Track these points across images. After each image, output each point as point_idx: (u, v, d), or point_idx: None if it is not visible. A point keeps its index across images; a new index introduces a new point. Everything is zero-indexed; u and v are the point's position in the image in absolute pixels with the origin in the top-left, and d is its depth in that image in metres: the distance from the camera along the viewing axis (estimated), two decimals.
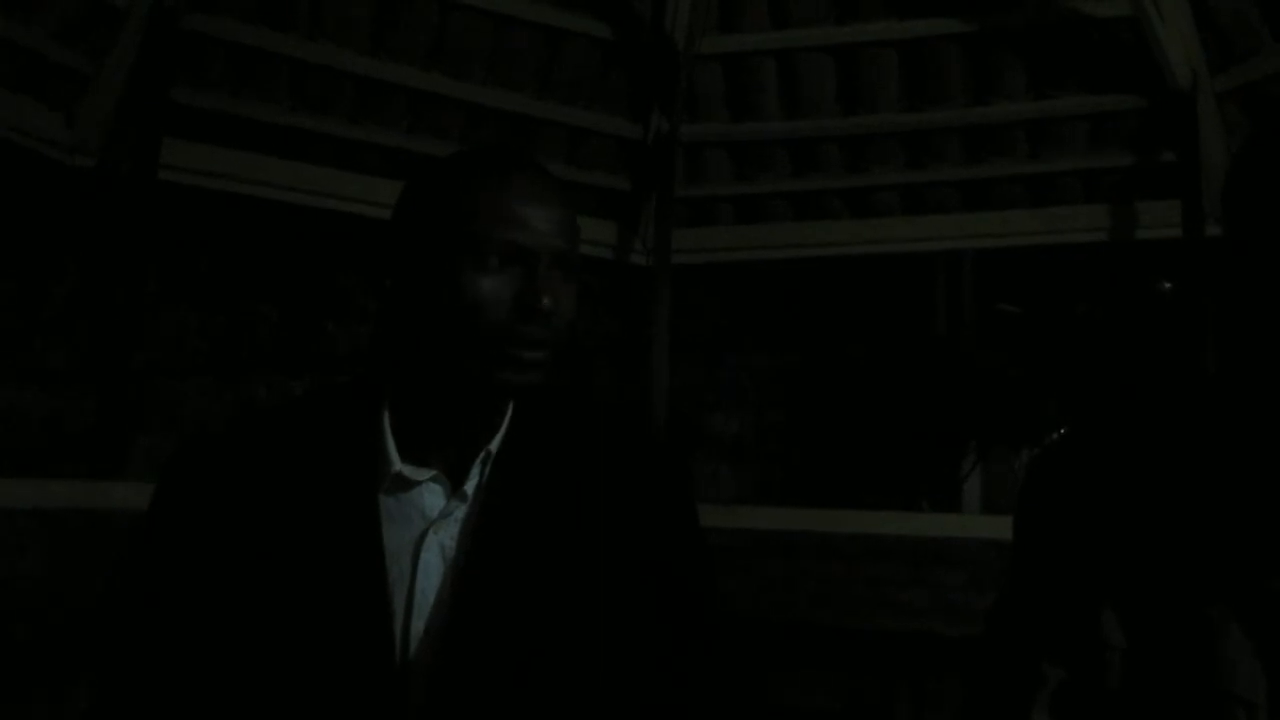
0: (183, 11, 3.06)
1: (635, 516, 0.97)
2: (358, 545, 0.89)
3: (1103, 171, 3.53)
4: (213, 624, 0.87)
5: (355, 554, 0.89)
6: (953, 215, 3.76)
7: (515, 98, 3.60)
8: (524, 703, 0.88)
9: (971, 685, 0.84)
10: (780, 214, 3.93)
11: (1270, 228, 0.74)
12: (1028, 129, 3.53)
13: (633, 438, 1.05)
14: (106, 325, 3.14)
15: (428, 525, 0.91)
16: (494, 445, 0.94)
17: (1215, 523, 0.75)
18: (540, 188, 0.91)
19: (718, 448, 4.32)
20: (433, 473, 0.92)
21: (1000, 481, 4.10)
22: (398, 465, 0.91)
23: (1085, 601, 0.76)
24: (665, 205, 3.79)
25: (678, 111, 3.70)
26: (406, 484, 0.91)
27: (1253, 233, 0.76)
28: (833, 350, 4.35)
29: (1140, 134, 3.42)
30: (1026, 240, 3.69)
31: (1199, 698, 0.71)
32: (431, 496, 0.92)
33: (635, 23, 3.58)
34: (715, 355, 4.36)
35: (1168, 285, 4.11)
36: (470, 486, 0.92)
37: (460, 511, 0.92)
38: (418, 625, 0.89)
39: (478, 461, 0.93)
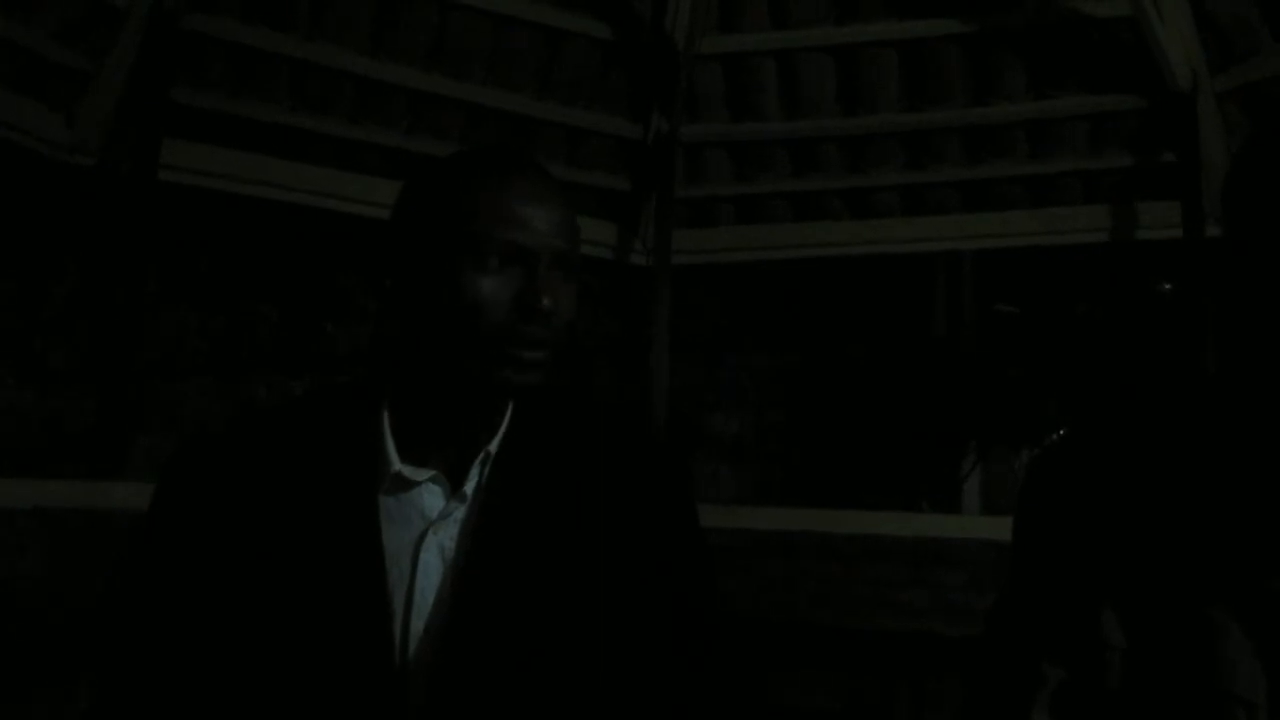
0: (183, 11, 3.06)
1: (635, 517, 0.97)
2: (357, 546, 0.89)
3: (1103, 172, 3.53)
4: (213, 624, 0.87)
5: (355, 554, 0.89)
6: (952, 216, 3.75)
7: (515, 98, 3.59)
8: (524, 703, 0.88)
9: (971, 685, 0.84)
10: (780, 214, 3.93)
11: (1270, 228, 0.74)
12: (1028, 129, 3.53)
13: (633, 438, 1.05)
14: (106, 325, 3.14)
15: (427, 526, 0.91)
16: (494, 446, 0.94)
17: (1215, 523, 0.75)
18: (540, 188, 0.91)
19: (718, 448, 4.32)
20: (432, 473, 0.92)
21: (1000, 482, 4.10)
22: (397, 465, 0.91)
23: (1085, 602, 0.76)
24: (665, 205, 3.79)
25: (678, 112, 3.70)
26: (406, 484, 0.91)
27: (1253, 233, 0.76)
28: (833, 350, 4.35)
29: (1140, 134, 3.42)
30: (1026, 241, 3.69)
31: (1199, 698, 0.71)
32: (431, 497, 0.92)
33: (635, 23, 3.58)
34: (715, 355, 4.36)
35: (1168, 286, 4.11)
36: (470, 487, 0.92)
37: (460, 512, 0.92)
38: (417, 625, 0.89)
39: (477, 462, 0.93)
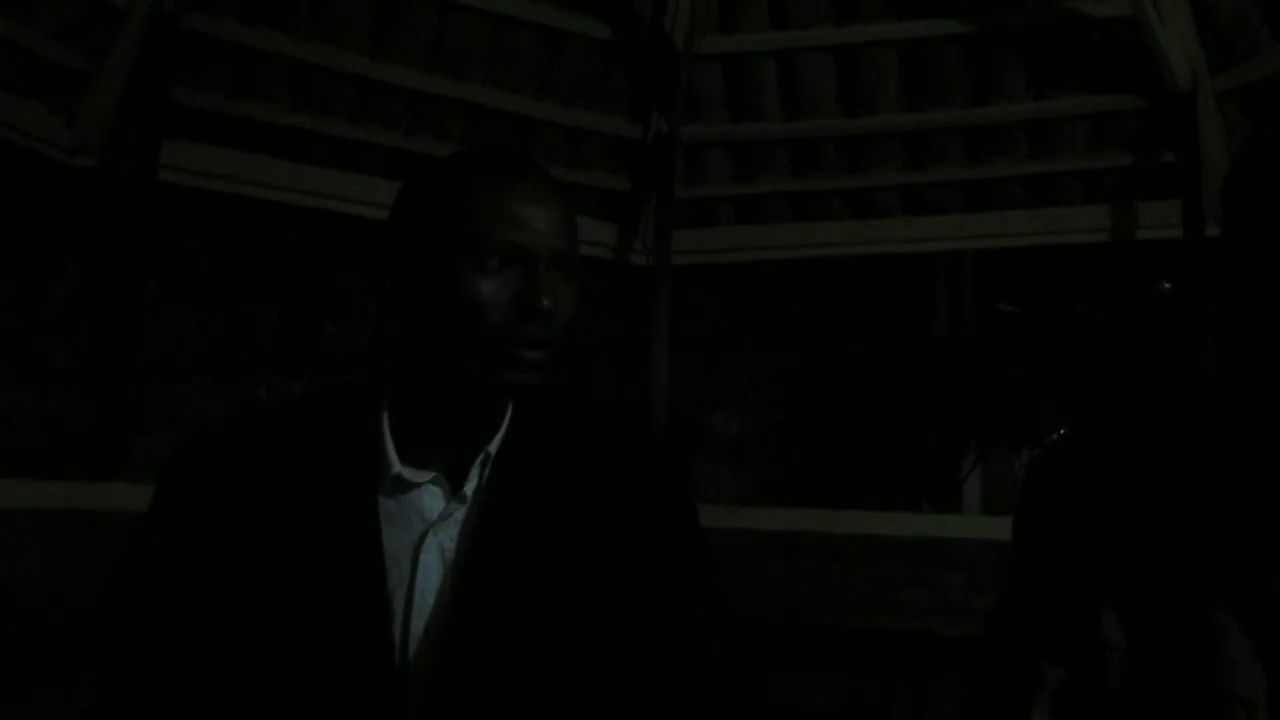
0: (183, 11, 3.06)
1: (635, 517, 0.97)
2: (357, 547, 0.89)
3: (1103, 172, 3.53)
4: (213, 625, 0.87)
5: (355, 555, 0.89)
6: (953, 216, 3.75)
7: (515, 98, 3.60)
8: (524, 703, 0.88)
9: (971, 685, 0.84)
10: (780, 214, 3.93)
11: (1270, 228, 0.74)
12: (1027, 129, 3.53)
13: (633, 438, 1.05)
14: (106, 325, 3.14)
15: (427, 527, 0.91)
16: (493, 446, 0.94)
17: (1215, 523, 0.75)
18: (540, 188, 0.91)
19: (718, 448, 4.32)
20: (432, 474, 0.92)
21: (1000, 481, 4.10)
22: (397, 467, 0.91)
23: (1085, 602, 0.76)
24: (665, 206, 3.79)
25: (678, 112, 3.70)
26: (406, 486, 0.91)
27: (1252, 233, 0.76)
28: (833, 350, 4.35)
29: (1140, 134, 3.42)
30: (1026, 241, 3.69)
31: (1199, 698, 0.71)
32: (431, 498, 0.92)
33: (635, 23, 3.58)
34: (715, 355, 4.36)
35: (1168, 286, 4.11)
36: (470, 488, 0.92)
37: (460, 513, 0.92)
38: (417, 626, 0.89)
39: (477, 463, 0.93)
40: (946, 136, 3.61)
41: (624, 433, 1.04)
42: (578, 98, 3.69)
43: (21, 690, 2.35)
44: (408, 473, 0.91)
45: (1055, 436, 2.87)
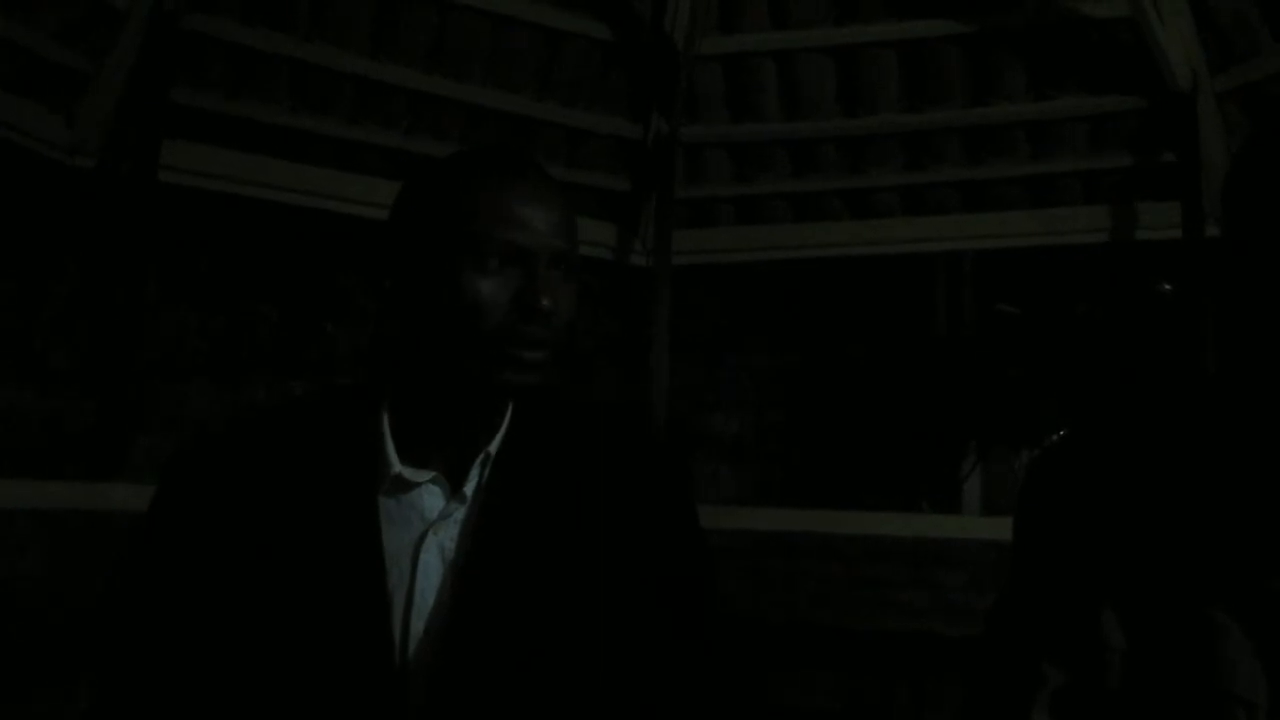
0: (183, 12, 3.06)
1: (635, 517, 0.97)
2: (357, 547, 0.89)
3: (1103, 172, 3.53)
4: (213, 625, 0.87)
5: (355, 555, 0.89)
6: (953, 216, 3.75)
7: (515, 99, 3.59)
8: (524, 703, 0.88)
9: (971, 686, 0.84)
10: (780, 215, 3.93)
11: (1270, 228, 0.74)
12: (1027, 130, 3.53)
13: (633, 438, 1.05)
14: (106, 325, 3.14)
15: (427, 527, 0.91)
16: (493, 446, 0.94)
17: (1215, 523, 0.75)
18: (539, 188, 0.91)
19: (718, 448, 4.32)
20: (432, 474, 0.92)
21: (1000, 482, 4.10)
22: (397, 467, 0.91)
23: (1085, 602, 0.76)
24: (665, 206, 3.79)
25: (678, 112, 3.70)
26: (406, 485, 0.91)
27: (1253, 233, 0.76)
28: (833, 350, 4.35)
29: (1140, 135, 3.42)
30: (1026, 241, 3.69)
31: (1199, 698, 0.71)
32: (431, 498, 0.92)
33: (635, 23, 3.58)
34: (715, 355, 4.36)
35: (1168, 286, 4.11)
36: (470, 488, 0.92)
37: (459, 513, 0.92)
38: (417, 626, 0.89)
39: (477, 463, 0.93)
40: (946, 137, 3.61)
41: (624, 433, 1.04)
42: (578, 98, 3.69)
43: (21, 690, 2.35)
44: (408, 472, 0.91)
45: (1055, 437, 2.87)
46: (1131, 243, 3.56)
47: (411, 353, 0.92)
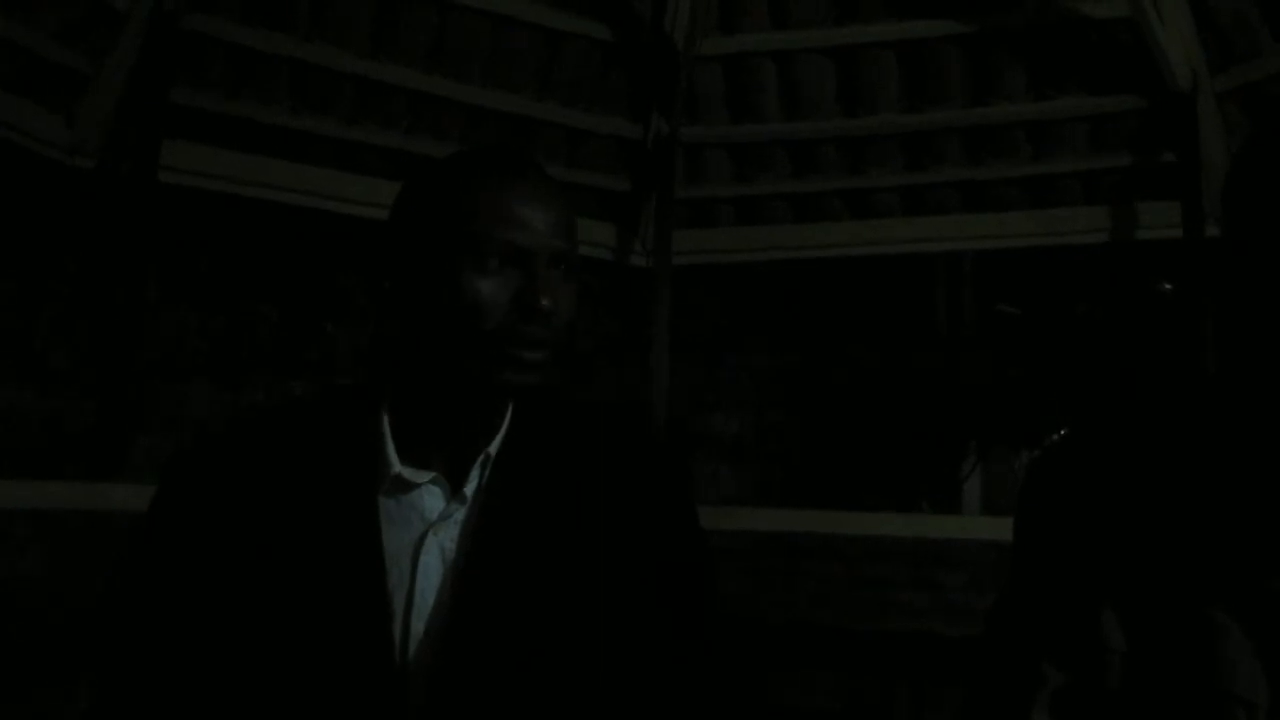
0: (183, 12, 3.06)
1: (635, 518, 0.97)
2: (357, 547, 0.89)
3: (1103, 172, 3.53)
4: (213, 625, 0.87)
5: (355, 556, 0.89)
6: (952, 216, 3.75)
7: (515, 99, 3.59)
8: (524, 704, 0.88)
9: (971, 686, 0.84)
10: (780, 215, 3.93)
11: (1270, 228, 0.74)
12: (1027, 130, 3.53)
13: (633, 439, 1.05)
14: (106, 325, 3.14)
15: (427, 527, 0.91)
16: (493, 447, 0.94)
17: (1215, 523, 0.75)
18: (539, 188, 0.91)
19: (718, 448, 4.32)
20: (432, 475, 0.92)
21: (1000, 482, 4.10)
22: (397, 467, 0.91)
23: (1085, 602, 0.76)
24: (665, 206, 3.79)
25: (678, 112, 3.70)
26: (406, 486, 0.91)
27: (1253, 233, 0.76)
28: (833, 350, 4.35)
29: (1140, 135, 3.42)
30: (1026, 242, 3.69)
31: (1199, 698, 0.71)
32: (431, 498, 0.92)
33: (635, 23, 3.58)
34: (715, 355, 4.36)
35: (1168, 286, 4.11)
36: (470, 488, 0.92)
37: (460, 513, 0.92)
38: (417, 626, 0.89)
39: (477, 463, 0.93)
40: (946, 137, 3.61)
41: (624, 433, 1.04)
42: (578, 98, 3.69)
43: (21, 690, 2.35)
44: (408, 473, 0.91)
45: (1055, 437, 2.87)
46: (1131, 243, 3.56)
47: (411, 353, 0.92)
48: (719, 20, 3.61)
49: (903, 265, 4.18)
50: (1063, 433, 0.92)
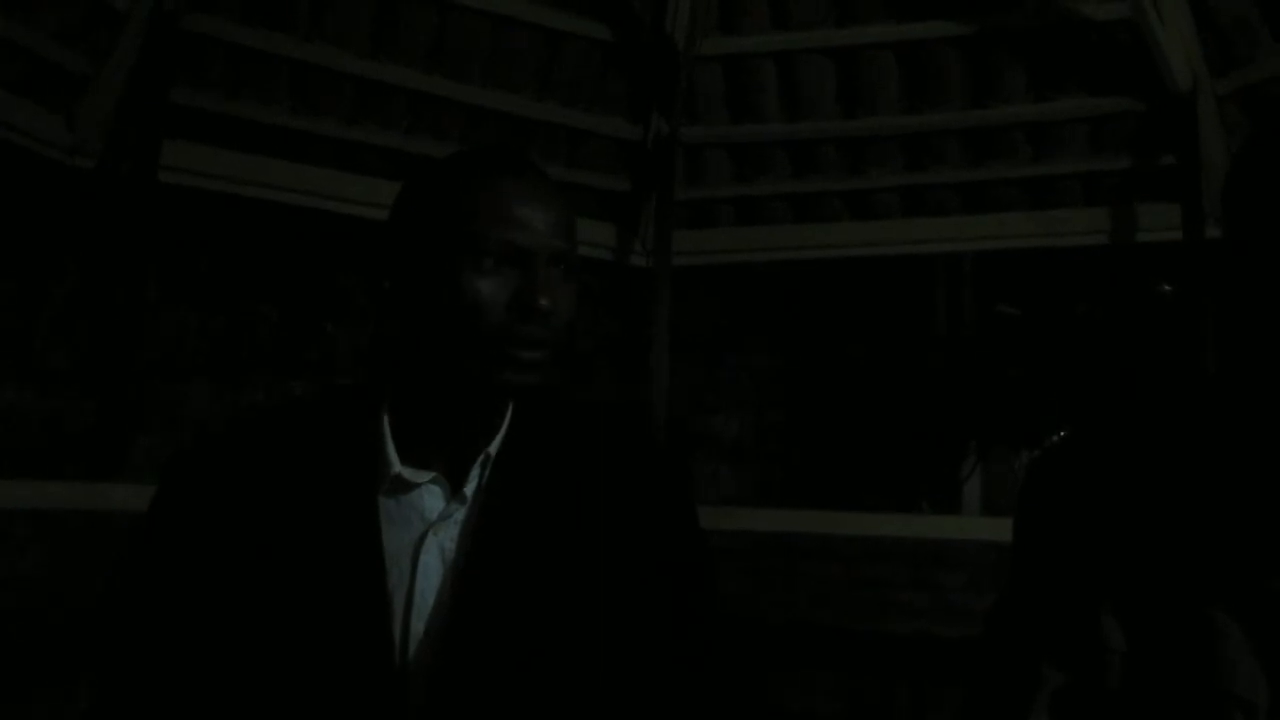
0: (183, 12, 3.06)
1: (635, 518, 0.97)
2: (357, 547, 0.89)
3: (1103, 174, 3.53)
4: (213, 625, 0.87)
5: (355, 556, 0.89)
6: (952, 217, 3.75)
7: (515, 99, 3.59)
8: (524, 704, 0.88)
9: (971, 687, 0.84)
10: (780, 216, 3.93)
11: (1270, 228, 0.74)
12: (1027, 131, 3.53)
13: (633, 439, 1.05)
14: (106, 325, 3.14)
15: (427, 527, 0.91)
16: (493, 447, 0.94)
17: (1215, 523, 0.75)
18: (538, 188, 0.91)
19: (718, 448, 4.32)
20: (432, 475, 0.92)
21: (1000, 482, 4.10)
22: (397, 467, 0.91)
23: (1085, 603, 0.76)
24: (665, 207, 3.79)
25: (677, 113, 3.70)
26: (406, 486, 0.91)
27: (1253, 233, 0.76)
28: (833, 350, 4.35)
29: (1140, 136, 3.42)
30: (1026, 243, 3.69)
31: (1199, 699, 0.71)
32: (431, 498, 0.92)
33: (635, 24, 3.58)
34: (715, 355, 4.36)
35: (1168, 287, 4.11)
36: (470, 488, 0.92)
37: (460, 513, 0.92)
38: (417, 626, 0.89)
39: (477, 463, 0.93)
40: (946, 138, 3.61)
41: (624, 434, 1.04)
42: (578, 98, 3.69)
43: (21, 690, 2.35)
44: (408, 473, 0.91)
45: (1055, 437, 2.87)
46: (1132, 244, 3.56)
47: (411, 353, 0.92)
48: (719, 20, 3.61)
49: (903, 266, 4.18)
50: (1063, 433, 0.92)
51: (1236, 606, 0.72)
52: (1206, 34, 3.18)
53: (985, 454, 4.06)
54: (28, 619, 2.43)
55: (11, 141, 2.86)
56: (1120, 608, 0.75)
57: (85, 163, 3.02)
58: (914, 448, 4.13)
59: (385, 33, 3.36)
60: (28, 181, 3.12)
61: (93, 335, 3.24)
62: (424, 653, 0.89)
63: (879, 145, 3.68)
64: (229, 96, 3.26)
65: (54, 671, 2.34)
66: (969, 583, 3.13)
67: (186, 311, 3.55)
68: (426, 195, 0.91)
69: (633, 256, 3.96)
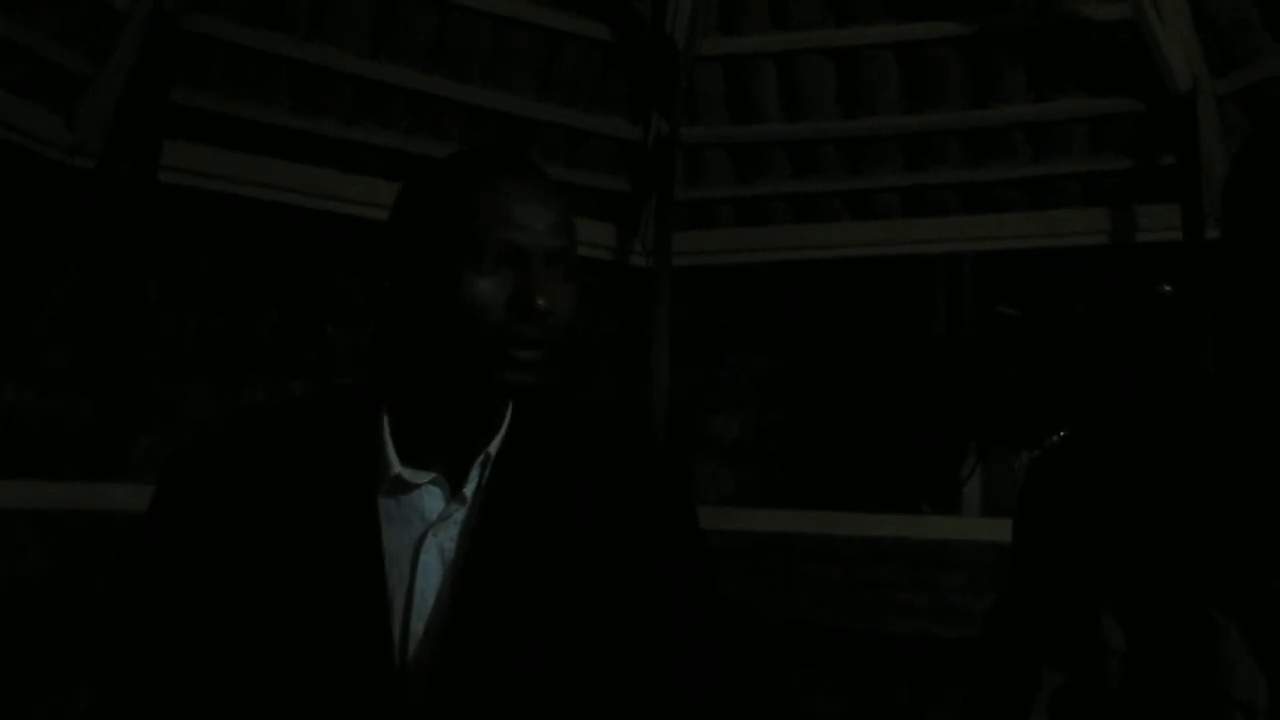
0: (183, 12, 3.06)
1: (635, 518, 0.97)
2: (357, 547, 0.89)
3: (1103, 174, 3.53)
4: (213, 625, 0.87)
5: (355, 556, 0.89)
6: (952, 218, 3.75)
7: (515, 99, 3.60)
8: (523, 704, 0.88)
9: (971, 687, 0.84)
10: (780, 216, 3.93)
11: (1270, 228, 0.74)
12: (1027, 131, 3.53)
13: (633, 440, 1.05)
14: (106, 326, 3.14)
15: (427, 527, 0.91)
16: (493, 447, 0.94)
17: (1215, 523, 0.75)
18: (537, 188, 0.91)
19: (717, 449, 4.32)
20: (432, 475, 0.92)
21: (1000, 483, 4.10)
22: (397, 468, 0.91)
23: (1085, 604, 0.76)
24: (665, 207, 3.79)
25: (678, 113, 3.70)
26: (406, 486, 0.91)
27: (1252, 234, 0.76)
28: (833, 350, 4.35)
29: (1140, 137, 3.42)
30: (1026, 243, 3.69)
31: (1198, 700, 0.71)
32: (431, 499, 0.92)
33: (635, 24, 3.58)
34: (715, 355, 4.36)
35: (1168, 288, 4.11)
36: (469, 489, 0.92)
37: (459, 514, 0.92)
38: (417, 627, 0.89)
39: (477, 464, 0.93)
40: (946, 138, 3.61)
41: (624, 434, 1.04)
42: (577, 98, 3.69)
43: (21, 690, 2.35)
44: (408, 473, 0.91)
45: (1055, 437, 2.87)
46: (1131, 245, 3.56)
47: (411, 353, 0.92)
48: (719, 20, 3.61)
49: (903, 266, 4.18)
50: (1063, 433, 0.92)
51: (1236, 606, 0.72)
52: (1206, 34, 3.18)
53: (985, 454, 4.06)
54: (28, 619, 2.44)
55: (11, 141, 2.86)
56: (1120, 608, 0.75)
57: (85, 163, 3.03)
58: (914, 448, 4.13)
59: (385, 33, 3.36)
60: (28, 181, 3.12)
61: (93, 335, 3.24)
62: (424, 653, 0.89)
63: (879, 145, 3.68)
64: (229, 96, 3.26)
65: (54, 671, 2.34)
66: (969, 583, 3.13)
67: (186, 311, 3.55)
68: (426, 195, 0.91)
69: (633, 256, 3.96)
